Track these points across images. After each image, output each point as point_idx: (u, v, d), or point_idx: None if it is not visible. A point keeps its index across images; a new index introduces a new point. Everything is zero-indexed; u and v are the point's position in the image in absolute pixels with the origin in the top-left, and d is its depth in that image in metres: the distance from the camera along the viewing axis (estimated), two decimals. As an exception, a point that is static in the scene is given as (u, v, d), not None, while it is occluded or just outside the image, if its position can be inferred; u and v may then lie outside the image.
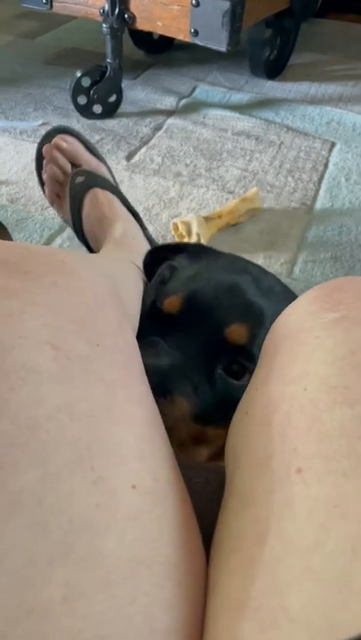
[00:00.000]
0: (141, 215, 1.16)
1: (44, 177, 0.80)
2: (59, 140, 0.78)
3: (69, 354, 0.25)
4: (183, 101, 1.64)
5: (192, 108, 1.61)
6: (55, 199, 0.80)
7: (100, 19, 1.38)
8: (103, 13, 1.37)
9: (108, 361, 0.27)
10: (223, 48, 1.28)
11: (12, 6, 2.39)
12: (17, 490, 0.19)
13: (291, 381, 0.27)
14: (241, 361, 0.46)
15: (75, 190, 0.72)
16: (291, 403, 0.26)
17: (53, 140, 0.78)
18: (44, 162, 0.79)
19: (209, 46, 1.31)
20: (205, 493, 0.27)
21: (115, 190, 0.73)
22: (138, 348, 0.32)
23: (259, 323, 0.48)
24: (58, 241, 1.07)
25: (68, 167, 0.76)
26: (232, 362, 0.46)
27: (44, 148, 0.79)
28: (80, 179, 0.72)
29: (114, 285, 0.35)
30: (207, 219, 1.10)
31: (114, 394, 0.26)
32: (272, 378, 0.29)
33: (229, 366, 0.47)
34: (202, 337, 0.46)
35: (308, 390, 0.26)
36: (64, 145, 0.76)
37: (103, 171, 0.77)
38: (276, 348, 0.32)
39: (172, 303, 0.50)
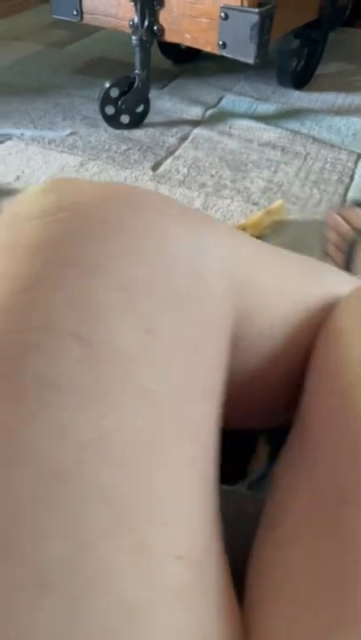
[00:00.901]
0: (166, 226, 1.18)
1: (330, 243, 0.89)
2: (350, 212, 0.90)
3: (102, 350, 0.20)
4: (210, 111, 1.65)
5: (218, 118, 1.62)
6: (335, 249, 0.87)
7: (129, 31, 1.40)
8: (133, 26, 1.39)
9: (159, 362, 0.21)
10: (251, 60, 1.29)
11: (41, 16, 2.43)
12: (45, 564, 0.16)
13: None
14: None
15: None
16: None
17: (344, 212, 0.90)
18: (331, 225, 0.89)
19: (237, 58, 1.31)
20: (239, 525, 0.26)
21: None
22: (216, 350, 0.25)
23: None
24: (84, 251, 1.09)
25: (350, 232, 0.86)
26: None
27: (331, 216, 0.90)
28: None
29: None
30: (232, 231, 1.10)
31: (161, 418, 0.20)
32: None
33: None
34: None
35: None
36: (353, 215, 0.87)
37: None
38: (328, 346, 0.29)
39: None
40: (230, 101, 1.71)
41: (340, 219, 0.87)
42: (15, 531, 0.16)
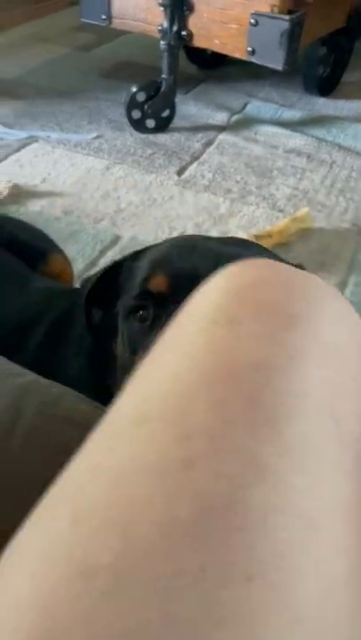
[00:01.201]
0: (191, 231, 1.18)
1: None
2: None
3: (346, 432, 0.21)
4: (235, 117, 1.65)
5: (243, 123, 1.62)
6: None
7: (158, 35, 1.41)
8: (162, 30, 1.39)
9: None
10: (280, 67, 1.29)
11: (68, 19, 2.45)
12: (298, 603, 0.17)
13: None
14: None
15: None
16: None
17: None
18: None
19: (266, 65, 1.31)
20: None
21: None
22: None
23: None
24: (109, 254, 1.10)
25: None
26: None
27: None
28: None
29: None
30: (258, 237, 1.10)
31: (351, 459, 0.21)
32: None
33: None
34: None
35: None
36: None
37: None
38: None
39: (158, 282, 0.48)
40: (255, 107, 1.71)
41: None
42: (274, 566, 0.17)
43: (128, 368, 0.45)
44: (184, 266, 0.49)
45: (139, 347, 0.47)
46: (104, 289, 0.57)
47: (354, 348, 0.26)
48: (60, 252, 0.86)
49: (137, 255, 0.56)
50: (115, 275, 0.57)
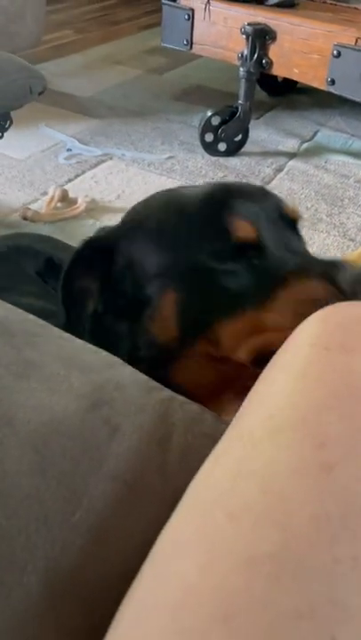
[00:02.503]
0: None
1: None
2: None
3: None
4: (305, 145, 1.66)
5: (313, 151, 1.63)
6: None
7: (237, 62, 1.44)
8: (241, 58, 1.42)
9: None
10: (360, 98, 1.29)
11: (140, 42, 2.54)
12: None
13: None
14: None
15: None
16: None
17: None
18: None
19: (344, 96, 1.32)
20: None
21: None
22: None
23: None
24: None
25: None
26: None
27: None
28: None
29: None
30: (331, 265, 1.10)
31: None
32: None
33: None
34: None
35: None
36: None
37: None
38: None
39: (245, 229, 0.43)
40: (325, 136, 1.72)
41: None
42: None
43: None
44: (250, 206, 0.44)
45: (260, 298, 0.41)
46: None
47: None
48: None
49: (125, 233, 0.49)
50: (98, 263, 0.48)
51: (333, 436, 0.23)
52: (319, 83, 1.35)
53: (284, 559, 0.19)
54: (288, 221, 0.50)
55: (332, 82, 1.32)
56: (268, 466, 0.22)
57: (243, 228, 0.43)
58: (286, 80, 1.51)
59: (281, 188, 1.44)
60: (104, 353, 0.37)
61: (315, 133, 1.73)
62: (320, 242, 1.24)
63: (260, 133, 1.70)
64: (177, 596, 0.19)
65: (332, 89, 1.33)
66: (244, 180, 1.45)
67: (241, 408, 0.28)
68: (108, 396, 0.31)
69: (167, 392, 0.36)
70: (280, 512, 0.20)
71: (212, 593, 0.19)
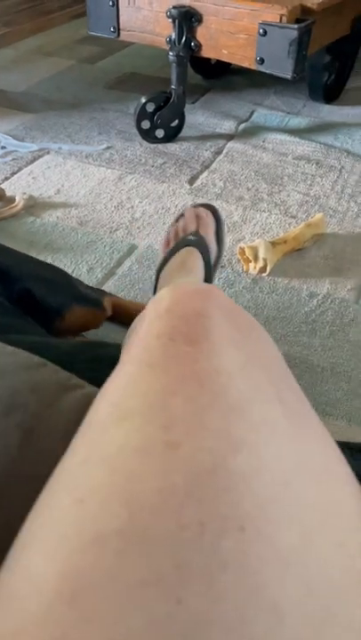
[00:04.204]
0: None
1: (176, 223, 0.93)
2: (201, 210, 0.92)
3: (292, 409, 0.27)
4: (242, 125, 1.66)
5: (251, 132, 1.63)
6: (167, 242, 0.91)
7: (166, 47, 1.43)
8: (170, 42, 1.41)
9: (312, 414, 0.28)
10: (289, 76, 1.30)
11: (71, 31, 2.48)
12: (284, 546, 0.20)
13: None
14: None
15: (183, 241, 0.85)
16: None
17: (199, 208, 0.93)
18: (183, 216, 0.93)
19: (274, 74, 1.33)
20: None
21: (207, 258, 0.83)
22: None
23: None
24: (127, 263, 1.11)
25: (193, 228, 0.88)
26: None
27: (191, 209, 0.94)
28: (191, 237, 0.85)
29: None
30: (273, 243, 1.11)
31: (328, 450, 0.27)
32: None
33: None
34: None
35: None
36: (202, 215, 0.91)
37: (212, 247, 0.88)
38: None
39: None
40: (262, 115, 1.73)
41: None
42: (260, 517, 0.20)
43: None
44: None
45: None
46: None
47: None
48: (81, 302, 0.80)
49: None
50: None
51: (178, 418, 0.24)
52: (249, 62, 1.35)
53: (131, 533, 0.19)
54: None
55: (262, 61, 1.32)
56: (115, 450, 0.23)
57: None
58: (220, 62, 1.50)
59: (221, 170, 1.44)
60: (24, 354, 0.36)
61: (251, 113, 1.74)
62: (263, 221, 1.25)
63: (198, 117, 1.70)
64: (22, 588, 0.19)
65: (261, 68, 1.33)
66: (184, 165, 1.45)
67: (94, 400, 0.29)
68: (22, 399, 0.31)
69: (88, 389, 0.36)
70: (127, 490, 0.21)
71: (57, 577, 0.19)
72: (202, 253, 0.81)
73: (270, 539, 0.20)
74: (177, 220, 0.93)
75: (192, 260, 0.81)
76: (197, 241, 0.83)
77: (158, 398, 0.25)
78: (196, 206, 0.94)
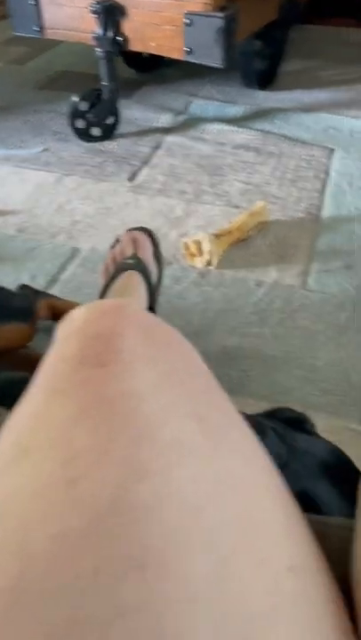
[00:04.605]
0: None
1: (113, 250, 0.93)
2: (137, 233, 0.92)
3: (210, 425, 0.25)
4: (179, 118, 1.65)
5: (189, 123, 1.62)
6: (106, 269, 0.91)
7: (93, 43, 1.39)
8: (96, 38, 1.38)
9: (236, 426, 0.27)
10: (219, 64, 1.29)
11: (-2, 33, 2.41)
12: (195, 579, 0.18)
13: None
14: None
15: (121, 265, 0.85)
16: None
17: (134, 232, 0.93)
18: (121, 240, 0.93)
19: (204, 63, 1.32)
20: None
21: (148, 280, 0.83)
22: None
23: None
24: (71, 268, 1.08)
25: (130, 252, 0.88)
26: None
27: (127, 233, 0.94)
28: (130, 260, 0.85)
29: None
30: (217, 235, 1.10)
31: (251, 463, 0.25)
32: None
33: None
34: None
35: None
36: (138, 237, 0.91)
37: (152, 268, 0.88)
38: None
39: None
40: (198, 106, 1.72)
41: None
42: (165, 550, 0.19)
43: None
44: None
45: None
46: None
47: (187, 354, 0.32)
48: (10, 320, 0.78)
49: None
50: None
51: (81, 450, 0.22)
52: (178, 53, 1.33)
53: (22, 589, 0.18)
54: None
55: (190, 51, 1.31)
56: (11, 494, 0.21)
57: None
58: (153, 55, 1.48)
59: (161, 165, 1.42)
60: None
61: (188, 105, 1.73)
62: (206, 213, 1.24)
63: (134, 112, 1.67)
64: None
65: (191, 58, 1.32)
66: (123, 163, 1.42)
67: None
68: None
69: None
70: (20, 540, 0.19)
71: None
72: (143, 275, 0.82)
73: (177, 574, 0.18)
74: (113, 246, 0.94)
75: (133, 283, 0.81)
76: (136, 263, 0.84)
77: (62, 430, 0.23)
78: (131, 230, 0.95)
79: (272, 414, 0.59)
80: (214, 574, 0.19)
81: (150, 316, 0.33)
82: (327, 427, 0.78)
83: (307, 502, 0.45)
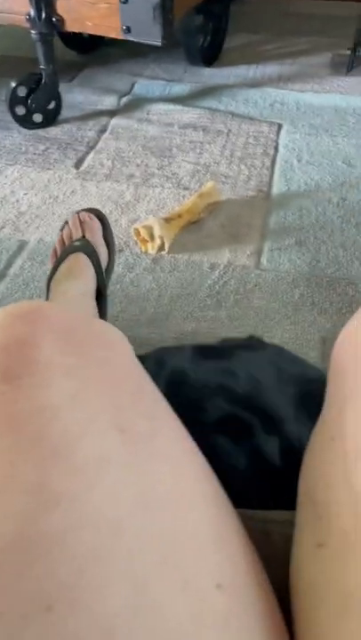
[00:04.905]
0: (100, 224, 1.14)
1: (61, 232, 0.91)
2: (84, 215, 0.90)
3: (134, 434, 0.24)
4: (124, 99, 1.61)
5: (134, 105, 1.58)
6: (54, 252, 0.88)
7: (27, 25, 1.33)
8: (30, 19, 1.32)
9: (167, 434, 0.26)
10: (158, 42, 1.25)
11: None
12: (111, 611, 0.17)
13: None
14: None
15: (68, 248, 0.82)
16: None
17: (82, 214, 0.91)
18: (69, 222, 0.91)
19: (143, 42, 1.28)
20: (266, 547, 0.26)
21: (96, 262, 0.81)
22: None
23: None
24: (18, 262, 1.04)
25: (78, 234, 0.86)
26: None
27: (75, 215, 0.91)
28: (77, 243, 0.83)
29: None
30: (168, 220, 1.08)
31: (181, 473, 0.24)
32: (356, 400, 0.28)
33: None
34: None
35: None
36: (86, 219, 0.89)
37: (101, 251, 0.86)
38: (352, 365, 0.30)
39: None
40: (143, 86, 1.67)
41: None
42: (76, 585, 0.17)
43: None
44: None
45: None
46: None
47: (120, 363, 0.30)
48: None
49: None
50: None
51: None
52: (116, 32, 1.29)
53: None
54: None
55: (128, 29, 1.26)
56: None
57: None
58: (93, 35, 1.43)
59: (108, 149, 1.38)
60: None
61: (132, 86, 1.68)
62: (156, 197, 1.21)
63: (76, 96, 1.62)
64: None
65: (129, 37, 1.28)
66: (68, 149, 1.38)
67: None
68: None
69: None
70: None
71: None
72: (90, 257, 0.80)
73: (90, 610, 0.17)
74: (62, 230, 0.91)
75: (79, 265, 0.79)
76: (83, 246, 0.82)
77: None
78: (79, 212, 0.92)
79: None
80: (132, 605, 0.17)
81: (74, 317, 0.31)
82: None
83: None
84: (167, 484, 0.22)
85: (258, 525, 0.28)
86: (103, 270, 0.84)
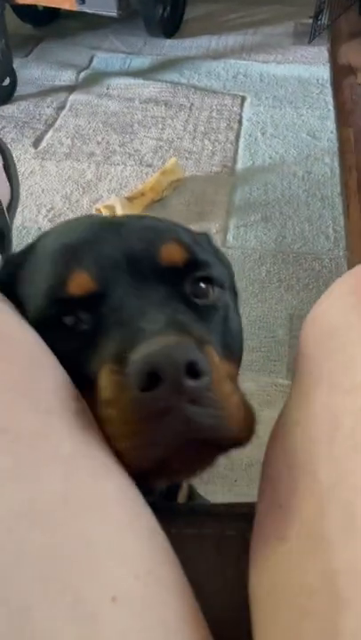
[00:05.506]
0: (61, 205, 1.11)
1: None
2: None
3: (19, 433, 0.21)
4: (83, 74, 1.55)
5: (93, 79, 1.53)
6: None
7: (-25, -4, 1.27)
8: (-22, -10, 1.26)
9: (61, 428, 0.23)
10: (114, 13, 1.21)
11: None
12: None
13: (351, 390, 0.25)
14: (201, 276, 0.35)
15: None
16: (355, 418, 0.23)
17: None
18: None
19: (99, 13, 1.23)
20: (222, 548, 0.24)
21: None
22: (85, 403, 0.27)
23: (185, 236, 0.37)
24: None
25: None
26: (194, 283, 0.35)
27: None
28: None
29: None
30: (130, 199, 1.05)
31: (76, 471, 0.22)
32: (323, 384, 0.26)
33: (195, 289, 0.36)
34: (144, 283, 0.33)
35: None
36: None
37: (1, 186, 0.76)
38: (320, 348, 0.29)
39: (79, 282, 0.33)
40: (102, 60, 1.62)
41: None
42: None
43: None
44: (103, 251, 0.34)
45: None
46: None
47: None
48: None
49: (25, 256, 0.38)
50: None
51: None
52: (70, 4, 1.24)
53: None
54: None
55: (83, 0, 1.22)
56: None
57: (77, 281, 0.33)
58: (48, 7, 1.37)
59: (67, 126, 1.34)
60: None
61: (91, 59, 1.63)
62: (118, 175, 1.18)
63: (33, 71, 1.56)
64: None
65: (84, 8, 1.23)
66: (25, 127, 1.33)
67: None
68: None
69: None
70: None
71: None
72: None
73: None
74: None
75: None
76: None
77: None
78: None
79: None
80: (11, 634, 0.16)
81: None
82: (254, 385, 0.77)
83: None
84: (58, 489, 0.20)
85: (212, 529, 0.27)
86: (4, 208, 0.74)
